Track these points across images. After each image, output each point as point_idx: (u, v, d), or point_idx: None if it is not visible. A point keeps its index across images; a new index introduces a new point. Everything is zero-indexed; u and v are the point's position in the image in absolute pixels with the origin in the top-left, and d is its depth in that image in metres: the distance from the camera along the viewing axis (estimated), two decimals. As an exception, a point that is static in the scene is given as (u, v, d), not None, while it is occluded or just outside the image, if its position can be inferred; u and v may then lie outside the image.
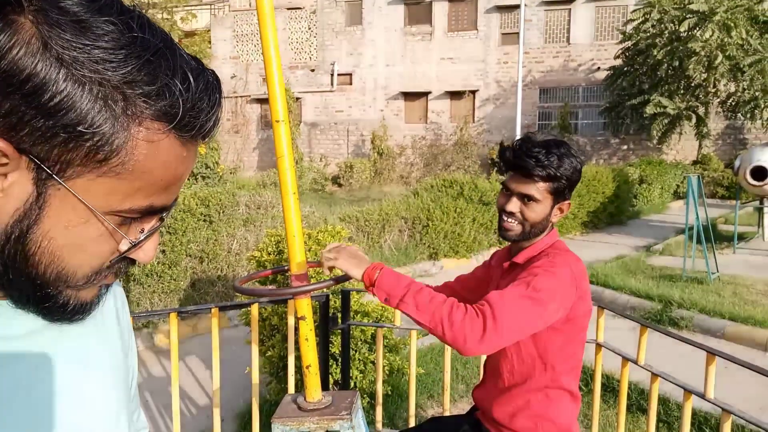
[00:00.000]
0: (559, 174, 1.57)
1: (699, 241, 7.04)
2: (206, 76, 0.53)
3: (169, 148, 0.51)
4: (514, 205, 1.62)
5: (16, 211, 0.50)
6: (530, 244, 1.69)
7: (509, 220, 1.64)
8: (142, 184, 0.51)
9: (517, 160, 1.58)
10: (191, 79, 0.51)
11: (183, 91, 0.50)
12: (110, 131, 0.48)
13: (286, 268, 1.88)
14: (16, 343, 0.56)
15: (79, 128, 0.47)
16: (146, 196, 0.53)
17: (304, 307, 1.71)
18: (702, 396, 1.93)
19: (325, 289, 3.52)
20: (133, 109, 0.48)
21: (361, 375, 3.53)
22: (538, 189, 1.59)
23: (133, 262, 0.60)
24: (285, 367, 3.51)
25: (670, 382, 2.08)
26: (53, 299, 0.54)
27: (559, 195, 1.62)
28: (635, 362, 2.23)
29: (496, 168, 19.10)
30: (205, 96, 0.52)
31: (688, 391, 1.98)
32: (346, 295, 2.93)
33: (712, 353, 1.91)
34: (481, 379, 1.91)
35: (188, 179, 9.42)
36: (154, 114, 0.49)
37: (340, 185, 19.75)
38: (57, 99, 0.45)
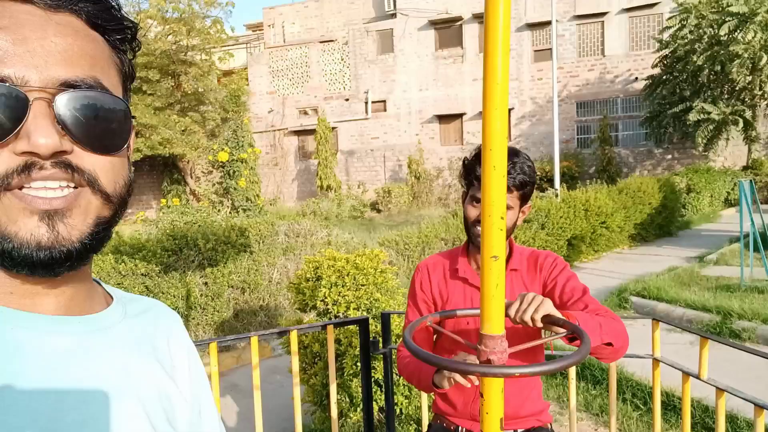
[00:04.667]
0: (529, 180, 1.68)
1: (756, 249, 6.70)
2: None
3: None
4: None
5: None
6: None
7: None
8: None
9: None
10: None
11: None
12: None
13: (457, 314, 1.25)
14: (54, 364, 0.54)
15: None
16: None
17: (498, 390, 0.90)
18: (775, 411, 1.78)
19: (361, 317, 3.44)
20: None
21: (407, 401, 3.44)
22: (511, 197, 1.66)
23: (96, 185, 0.53)
24: (328, 395, 3.46)
25: (739, 397, 1.92)
26: None
27: (525, 199, 1.71)
28: (697, 377, 2.08)
29: (536, 185, 18.79)
30: None
31: (760, 407, 1.83)
32: (386, 318, 2.85)
33: (782, 364, 1.76)
34: (476, 396, 1.78)
35: (229, 212, 9.58)
36: None
37: (378, 211, 19.79)
38: None
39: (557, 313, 1.31)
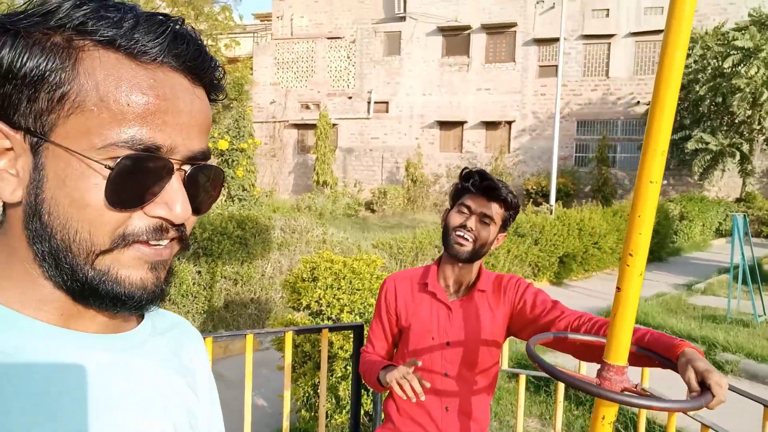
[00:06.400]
0: (515, 205, 1.77)
1: (744, 281, 6.78)
2: (154, 14, 0.54)
3: (119, 70, 0.51)
4: (472, 222, 1.72)
5: (27, 187, 0.52)
6: (474, 272, 1.80)
7: (465, 236, 1.72)
8: (109, 114, 0.51)
9: (487, 182, 1.73)
10: (126, 8, 0.53)
11: (116, 17, 0.52)
12: (54, 67, 0.50)
13: (596, 342, 1.34)
14: (95, 381, 0.56)
15: (33, 76, 0.50)
16: (123, 127, 0.51)
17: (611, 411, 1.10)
18: (758, 451, 1.82)
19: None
20: (69, 41, 0.51)
21: (392, 407, 3.46)
22: (497, 212, 1.74)
23: (186, 239, 0.59)
24: (316, 395, 3.47)
25: (723, 434, 1.96)
26: (94, 275, 0.53)
27: (505, 224, 1.79)
28: (684, 412, 2.12)
29: (531, 199, 18.90)
30: (145, 23, 0.53)
31: (743, 446, 1.87)
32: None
33: (769, 406, 1.80)
34: (444, 411, 1.77)
35: (224, 200, 9.59)
36: (91, 41, 0.51)
37: (373, 211, 19.80)
38: (8, 61, 0.49)
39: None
